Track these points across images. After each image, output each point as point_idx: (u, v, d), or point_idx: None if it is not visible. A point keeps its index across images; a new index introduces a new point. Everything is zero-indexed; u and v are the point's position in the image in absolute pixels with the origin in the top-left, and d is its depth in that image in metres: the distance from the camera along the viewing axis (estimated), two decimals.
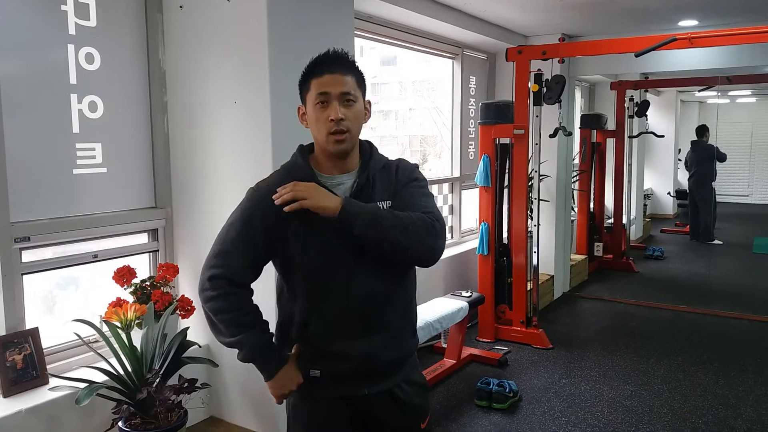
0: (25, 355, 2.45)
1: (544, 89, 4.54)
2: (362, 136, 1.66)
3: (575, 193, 6.91)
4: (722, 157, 8.72)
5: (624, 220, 7.53)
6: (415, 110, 6.21)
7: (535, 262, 4.82)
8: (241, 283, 1.62)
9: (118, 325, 2.48)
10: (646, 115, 7.92)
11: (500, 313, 4.84)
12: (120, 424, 2.40)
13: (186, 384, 2.51)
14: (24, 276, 2.53)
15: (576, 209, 7.01)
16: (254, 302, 1.67)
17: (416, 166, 1.72)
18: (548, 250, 5.82)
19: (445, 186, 5.38)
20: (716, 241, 8.84)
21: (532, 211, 4.81)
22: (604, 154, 7.44)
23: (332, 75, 1.56)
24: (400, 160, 1.71)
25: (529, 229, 4.81)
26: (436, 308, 3.96)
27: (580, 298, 6.09)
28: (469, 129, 5.51)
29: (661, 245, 8.43)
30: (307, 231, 1.56)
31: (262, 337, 1.61)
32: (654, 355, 4.45)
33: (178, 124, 3.02)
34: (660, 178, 11.22)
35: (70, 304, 2.92)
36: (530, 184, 4.77)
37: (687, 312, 5.61)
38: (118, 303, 2.59)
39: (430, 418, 1.80)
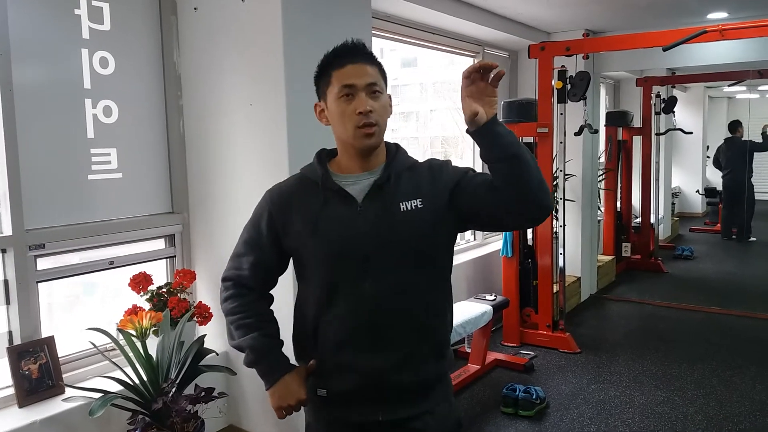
0: (41, 364, 2.41)
1: (569, 86, 4.44)
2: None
3: (601, 192, 6.75)
4: (762, 147, 8.41)
5: (652, 220, 7.35)
6: (436, 111, 6.14)
7: (561, 263, 4.70)
8: (249, 285, 1.56)
9: (133, 333, 2.44)
10: (673, 112, 7.75)
11: (525, 317, 4.73)
12: None
13: (203, 393, 2.46)
14: (39, 284, 2.50)
15: (602, 209, 6.85)
16: (268, 308, 1.59)
17: (449, 161, 1.59)
18: (574, 251, 5.67)
19: None
20: (752, 238, 8.61)
21: (557, 211, 4.70)
22: (630, 152, 7.27)
23: (356, 65, 1.47)
24: (431, 160, 1.59)
25: (554, 229, 4.69)
26: (460, 312, 3.86)
27: (607, 301, 5.93)
28: None
29: (690, 245, 8.21)
30: (314, 231, 1.48)
31: (265, 342, 1.53)
32: (686, 359, 4.30)
33: (193, 127, 2.97)
34: (688, 175, 10.95)
35: (87, 311, 2.89)
36: (555, 183, 4.66)
37: (720, 314, 5.42)
38: (134, 311, 2.55)
39: None
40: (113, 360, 2.46)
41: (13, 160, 2.38)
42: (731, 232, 8.81)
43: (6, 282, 2.42)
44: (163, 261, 3.02)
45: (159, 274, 2.96)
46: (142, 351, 2.42)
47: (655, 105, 7.29)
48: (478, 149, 1.42)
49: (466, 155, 5.42)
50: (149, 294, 2.69)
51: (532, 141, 4.65)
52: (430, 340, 1.53)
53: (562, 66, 4.52)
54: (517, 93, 5.76)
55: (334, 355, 1.50)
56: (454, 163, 1.57)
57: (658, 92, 7.38)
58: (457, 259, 4.66)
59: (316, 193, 1.51)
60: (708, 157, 10.72)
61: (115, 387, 2.37)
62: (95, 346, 2.50)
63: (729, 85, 8.44)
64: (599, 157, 6.52)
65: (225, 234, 2.86)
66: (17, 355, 2.37)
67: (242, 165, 2.82)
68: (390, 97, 1.55)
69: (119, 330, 2.48)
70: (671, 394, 3.74)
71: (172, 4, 2.92)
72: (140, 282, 2.66)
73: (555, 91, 4.50)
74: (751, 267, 7.36)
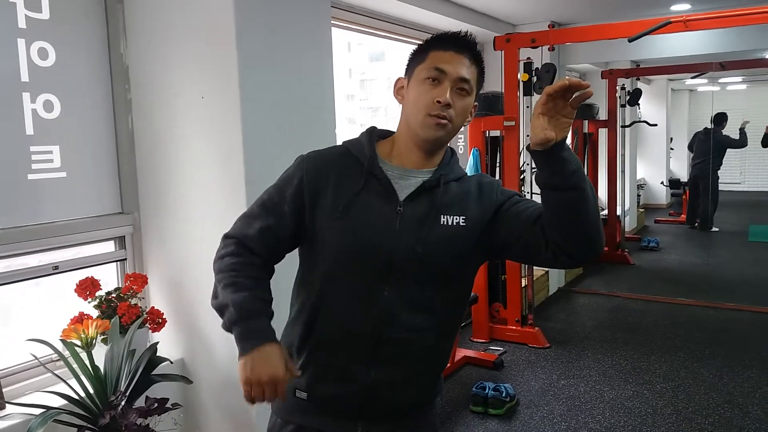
0: None
1: (534, 79, 4.38)
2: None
3: None
4: (737, 144, 8.58)
5: (618, 212, 7.38)
6: None
7: None
8: (251, 248, 1.37)
9: (78, 343, 2.28)
10: (638, 104, 7.81)
11: (494, 312, 4.68)
12: None
13: (155, 405, 2.31)
14: None
15: None
16: (268, 278, 1.41)
17: (499, 181, 1.48)
18: None
19: None
20: (714, 228, 8.76)
21: None
22: (596, 145, 7.29)
23: (457, 54, 1.37)
24: (480, 176, 1.47)
25: None
26: None
27: (576, 293, 5.93)
28: None
29: (655, 236, 8.29)
30: (344, 214, 1.33)
31: (256, 303, 1.33)
32: (654, 352, 4.29)
33: (143, 122, 2.81)
34: (652, 167, 11.10)
35: (29, 321, 2.71)
36: (522, 177, 4.61)
37: (686, 305, 5.46)
38: (80, 318, 2.39)
39: None
40: (56, 373, 2.30)
41: None
42: (696, 220, 8.94)
43: None
44: (113, 264, 2.85)
45: (109, 278, 2.79)
46: (87, 362, 2.26)
47: (620, 97, 7.32)
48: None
49: None
50: (97, 300, 2.52)
51: (499, 134, 4.59)
52: (435, 364, 1.45)
53: (528, 58, 4.46)
54: (483, 86, 5.69)
55: (324, 357, 1.38)
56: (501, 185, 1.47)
57: (623, 84, 7.42)
58: None
59: (357, 173, 1.37)
60: (672, 149, 10.89)
61: (59, 402, 2.20)
62: (36, 358, 2.32)
63: (692, 77, 8.55)
64: None
65: (178, 234, 2.72)
66: None
67: (196, 161, 2.67)
68: (475, 106, 1.45)
69: (62, 340, 2.31)
70: (640, 387, 3.72)
71: None
72: (87, 288, 2.49)
73: (521, 84, 4.44)
74: (715, 257, 7.45)
